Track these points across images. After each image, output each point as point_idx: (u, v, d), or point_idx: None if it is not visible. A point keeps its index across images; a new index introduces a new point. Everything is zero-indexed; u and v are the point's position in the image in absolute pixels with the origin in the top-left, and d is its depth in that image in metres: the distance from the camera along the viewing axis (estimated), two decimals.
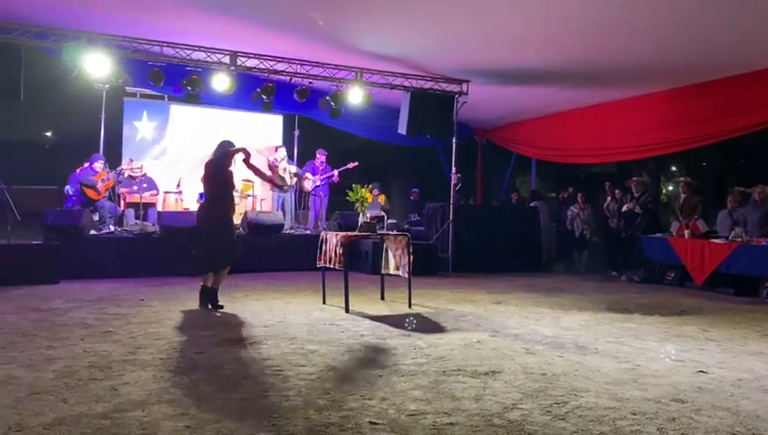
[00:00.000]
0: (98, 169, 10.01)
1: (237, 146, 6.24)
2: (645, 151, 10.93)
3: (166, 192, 10.96)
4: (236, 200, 10.96)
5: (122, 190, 10.62)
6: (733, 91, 8.66)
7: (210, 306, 6.05)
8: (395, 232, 7.66)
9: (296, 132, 12.56)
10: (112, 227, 9.63)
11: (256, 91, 9.81)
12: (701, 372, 4.12)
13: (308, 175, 11.61)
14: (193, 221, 9.31)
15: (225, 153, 6.17)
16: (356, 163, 11.86)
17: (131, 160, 10.82)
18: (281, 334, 5.00)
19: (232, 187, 6.35)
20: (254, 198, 11.66)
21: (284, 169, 11.27)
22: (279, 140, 12.42)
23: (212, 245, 6.11)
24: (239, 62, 9.24)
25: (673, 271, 9.30)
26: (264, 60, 9.35)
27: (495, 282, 8.99)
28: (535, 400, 3.40)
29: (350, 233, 6.62)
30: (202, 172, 6.24)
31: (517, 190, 14.47)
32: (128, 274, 8.48)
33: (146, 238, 9.20)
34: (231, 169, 6.27)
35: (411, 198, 14.40)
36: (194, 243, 6.32)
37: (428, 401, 3.33)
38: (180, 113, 12.25)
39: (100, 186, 9.88)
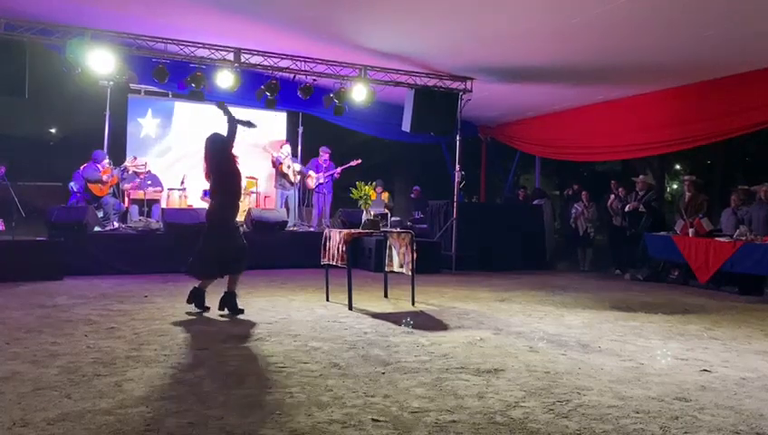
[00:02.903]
0: (102, 166, 10.05)
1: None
2: (649, 149, 10.90)
3: (170, 189, 10.99)
4: (241, 198, 11.08)
5: (126, 187, 10.65)
6: (737, 89, 8.63)
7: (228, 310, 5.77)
8: (398, 229, 7.66)
9: (300, 129, 12.57)
10: (116, 224, 9.66)
11: (260, 88, 9.81)
12: (705, 370, 4.11)
13: (311, 172, 11.62)
14: (198, 218, 9.43)
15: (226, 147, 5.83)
16: (359, 160, 11.86)
17: (135, 158, 10.85)
18: (284, 331, 5.01)
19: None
20: (257, 195, 11.69)
21: (288, 166, 11.28)
22: (283, 138, 12.43)
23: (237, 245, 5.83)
24: (243, 59, 9.25)
25: (677, 269, 9.29)
26: (268, 57, 9.36)
27: (499, 280, 8.98)
28: (538, 398, 3.40)
29: (353, 230, 6.62)
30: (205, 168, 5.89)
31: (524, 187, 14.44)
32: (132, 270, 8.51)
33: (150, 235, 9.22)
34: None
35: (412, 195, 14.38)
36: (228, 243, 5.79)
37: (431, 399, 3.33)
38: (184, 110, 12.26)
39: (105, 178, 9.92)
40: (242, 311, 5.76)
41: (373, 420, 2.99)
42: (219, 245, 5.69)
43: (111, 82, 10.18)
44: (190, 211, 9.83)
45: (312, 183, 11.61)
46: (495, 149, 14.34)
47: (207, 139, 5.89)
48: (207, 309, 5.79)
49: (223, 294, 5.82)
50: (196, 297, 5.82)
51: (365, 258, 9.78)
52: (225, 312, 5.74)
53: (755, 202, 8.83)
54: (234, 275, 5.83)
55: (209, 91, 9.56)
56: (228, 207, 5.86)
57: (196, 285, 5.84)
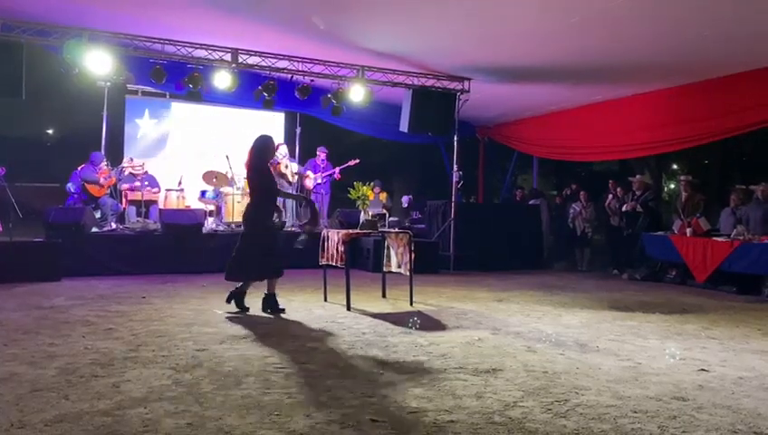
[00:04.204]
0: (100, 167, 10.04)
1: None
2: (647, 149, 10.93)
3: (167, 190, 10.97)
4: (239, 199, 11.08)
5: (124, 188, 10.63)
6: (734, 89, 8.65)
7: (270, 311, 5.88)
8: (396, 230, 7.66)
9: (298, 130, 12.56)
10: (114, 225, 9.64)
11: (258, 88, 9.80)
12: (702, 370, 4.11)
13: (309, 173, 11.61)
14: (196, 219, 9.44)
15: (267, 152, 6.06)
16: (357, 161, 11.86)
17: (132, 159, 10.85)
18: (282, 332, 5.01)
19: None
20: None
21: (286, 167, 11.27)
22: (280, 138, 12.41)
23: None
24: (240, 60, 9.24)
25: (674, 269, 9.30)
26: (266, 57, 9.35)
27: (497, 280, 8.99)
28: (536, 398, 3.40)
29: (351, 231, 6.62)
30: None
31: (522, 188, 14.45)
32: (129, 271, 8.49)
33: (147, 236, 9.21)
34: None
35: (404, 206, 14.14)
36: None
37: (429, 399, 3.33)
38: (182, 111, 12.26)
39: (102, 181, 9.91)
40: (283, 310, 5.91)
41: (371, 420, 2.99)
42: (249, 246, 5.79)
43: (109, 83, 10.17)
44: (188, 212, 9.83)
45: (309, 183, 11.60)
46: (493, 149, 14.35)
47: (257, 139, 6.06)
48: (283, 310, 5.89)
49: (263, 295, 5.95)
50: (269, 303, 5.89)
51: (363, 258, 9.77)
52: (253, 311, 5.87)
53: (753, 202, 8.85)
54: (269, 279, 5.93)
55: (207, 91, 9.56)
56: (258, 207, 5.88)
57: (266, 292, 5.93)
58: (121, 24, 8.34)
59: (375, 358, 4.21)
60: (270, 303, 5.90)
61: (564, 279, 9.41)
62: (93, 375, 3.62)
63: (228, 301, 5.93)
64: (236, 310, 5.87)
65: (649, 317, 6.15)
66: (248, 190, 6.21)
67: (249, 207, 5.97)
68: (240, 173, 11.17)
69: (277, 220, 6.20)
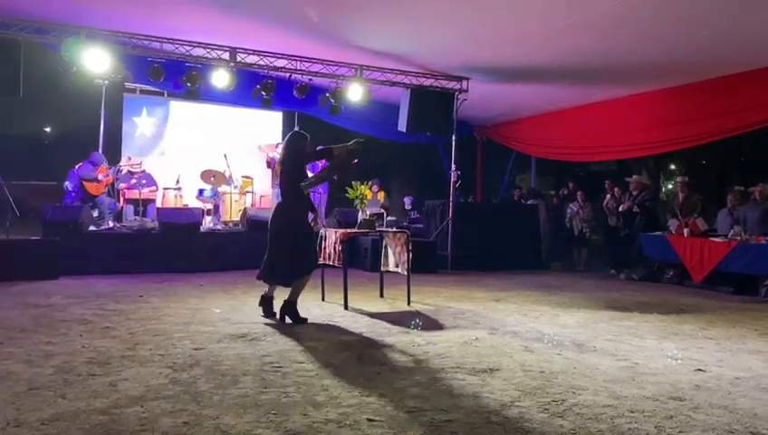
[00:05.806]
0: (98, 165, 10.03)
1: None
2: (645, 149, 10.93)
3: (165, 188, 10.97)
4: (236, 198, 11.07)
5: (121, 186, 10.63)
6: (732, 90, 8.66)
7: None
8: (394, 229, 7.65)
9: (296, 129, 12.54)
10: (111, 223, 9.63)
11: (256, 87, 9.80)
12: (699, 370, 4.12)
13: (307, 172, 11.59)
14: (193, 217, 9.43)
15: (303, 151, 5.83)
16: (356, 161, 11.84)
17: (130, 158, 10.84)
18: (279, 331, 5.00)
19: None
20: (253, 195, 11.69)
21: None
22: (279, 137, 12.43)
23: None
24: (239, 59, 9.23)
25: (672, 269, 9.31)
26: (264, 56, 9.35)
27: (494, 279, 8.99)
28: (533, 397, 3.40)
29: (349, 230, 6.62)
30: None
31: (519, 187, 14.46)
32: (127, 270, 8.48)
33: (145, 234, 9.20)
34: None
35: (407, 207, 14.10)
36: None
37: (426, 399, 3.33)
38: (180, 109, 12.26)
39: (101, 177, 9.90)
40: (303, 320, 5.44)
41: (369, 419, 2.99)
42: (272, 247, 5.49)
43: (107, 81, 10.14)
44: (185, 211, 9.83)
45: None
46: (491, 148, 14.35)
47: (289, 136, 5.93)
48: (273, 315, 5.53)
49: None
50: (288, 311, 5.44)
51: (361, 258, 9.77)
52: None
53: (750, 202, 8.86)
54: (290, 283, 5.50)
55: (205, 90, 9.55)
56: (286, 207, 5.59)
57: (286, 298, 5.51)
58: (119, 23, 8.32)
59: (372, 357, 4.21)
60: (285, 310, 5.50)
61: (562, 279, 9.41)
62: (90, 374, 3.62)
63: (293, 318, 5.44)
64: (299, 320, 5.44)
65: (647, 317, 6.16)
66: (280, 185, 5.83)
67: (277, 206, 5.68)
68: (237, 172, 11.21)
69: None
